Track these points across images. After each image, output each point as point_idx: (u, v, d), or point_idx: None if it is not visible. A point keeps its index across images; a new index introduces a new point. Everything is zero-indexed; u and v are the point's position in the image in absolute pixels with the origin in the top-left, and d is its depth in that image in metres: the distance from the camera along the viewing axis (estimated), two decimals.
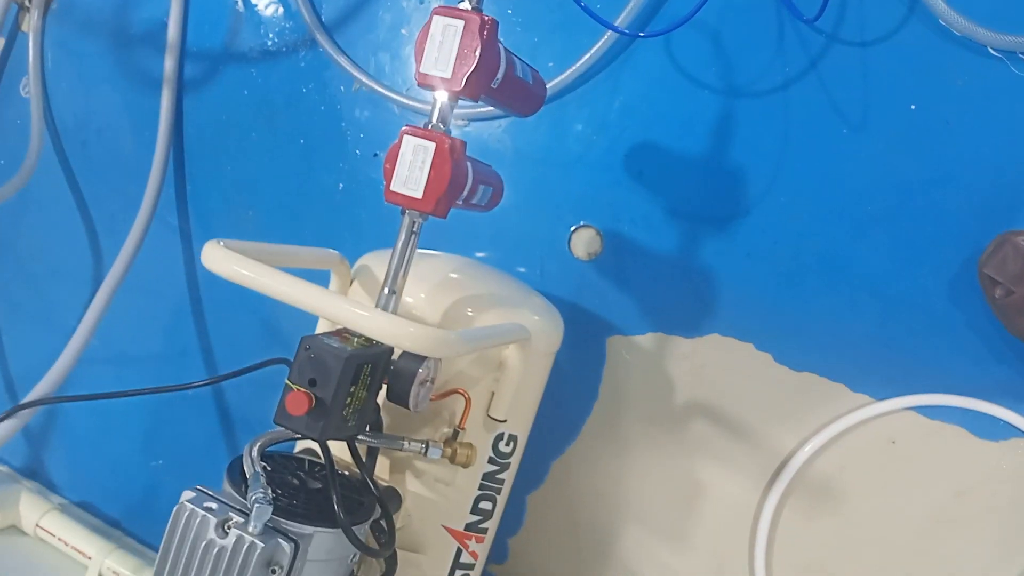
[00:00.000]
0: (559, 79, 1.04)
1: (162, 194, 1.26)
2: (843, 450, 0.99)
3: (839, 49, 0.96)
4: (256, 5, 1.21)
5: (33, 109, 1.30)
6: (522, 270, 1.10)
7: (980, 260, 0.90)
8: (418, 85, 0.74)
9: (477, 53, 0.71)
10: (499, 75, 0.75)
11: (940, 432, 0.96)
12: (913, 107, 0.94)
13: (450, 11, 0.72)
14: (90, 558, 1.20)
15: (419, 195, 0.72)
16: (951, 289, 0.94)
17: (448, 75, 0.72)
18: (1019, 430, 0.93)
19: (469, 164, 0.76)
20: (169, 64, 1.22)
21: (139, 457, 1.36)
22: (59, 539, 1.23)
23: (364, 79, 1.13)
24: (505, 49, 0.76)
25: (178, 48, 1.22)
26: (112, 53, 1.31)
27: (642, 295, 1.05)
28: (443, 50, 0.72)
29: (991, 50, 0.91)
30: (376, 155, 1.15)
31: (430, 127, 0.74)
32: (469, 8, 0.73)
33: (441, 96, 0.74)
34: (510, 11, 1.09)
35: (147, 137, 1.26)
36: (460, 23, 0.71)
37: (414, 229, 0.76)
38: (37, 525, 1.25)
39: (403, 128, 0.73)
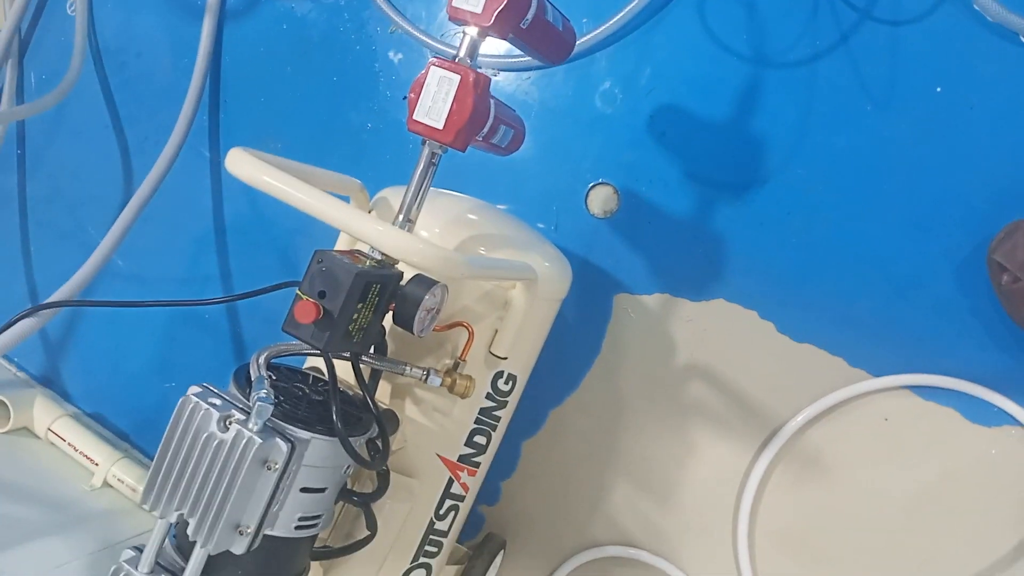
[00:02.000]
0: (591, 35, 1.05)
1: (195, 121, 1.28)
2: (835, 423, 1.00)
3: (871, 26, 0.97)
4: None
5: (78, 27, 1.33)
6: (540, 225, 1.12)
7: (990, 246, 0.91)
8: (449, 19, 0.76)
9: None
10: (529, 16, 0.77)
11: (933, 413, 0.97)
12: (939, 89, 0.95)
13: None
14: (97, 464, 1.24)
15: (440, 125, 0.74)
16: (959, 273, 0.94)
17: (479, 10, 0.73)
18: (1012, 417, 0.94)
19: (492, 102, 0.78)
20: None
21: (153, 377, 1.39)
22: (69, 444, 1.27)
23: (401, 21, 1.15)
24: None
25: None
26: None
27: (653, 256, 1.06)
28: None
29: (1023, 38, 0.91)
30: (405, 98, 1.17)
31: (457, 60, 0.75)
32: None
33: (471, 31, 0.75)
34: None
35: (185, 64, 1.29)
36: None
37: (433, 160, 0.77)
38: (49, 429, 1.29)
39: (431, 59, 0.75)
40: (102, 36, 1.38)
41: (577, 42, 1.01)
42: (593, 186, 1.09)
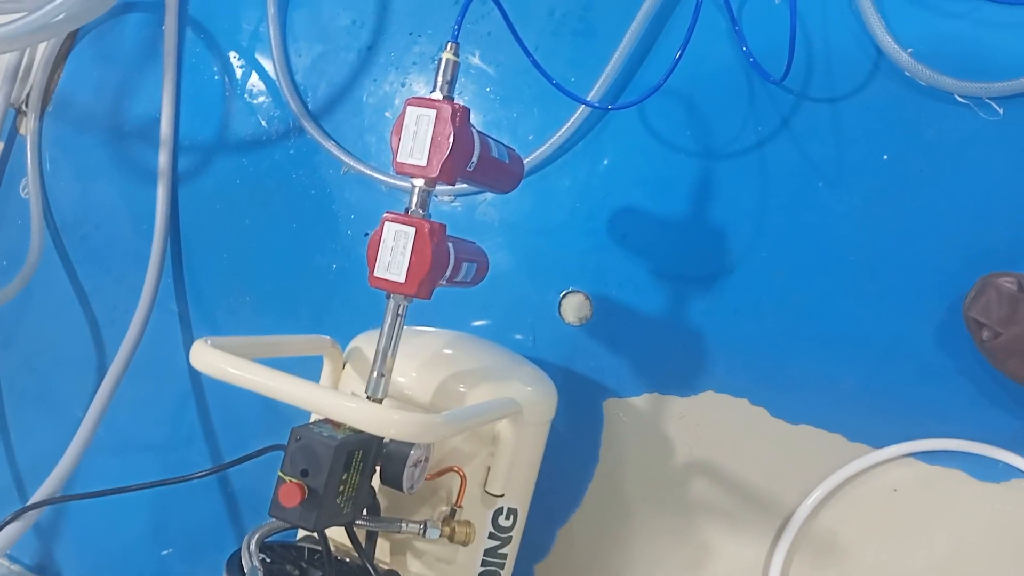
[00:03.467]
0: (539, 151, 1.07)
1: (161, 283, 1.28)
2: (845, 501, 0.98)
3: (809, 106, 0.99)
4: (246, 96, 1.25)
5: (33, 209, 1.34)
6: (518, 337, 1.11)
7: (964, 304, 0.91)
8: (396, 174, 0.77)
9: (450, 140, 0.73)
10: (474, 158, 0.78)
11: (941, 477, 0.95)
12: (886, 157, 0.96)
13: (422, 101, 0.75)
14: None
15: (402, 279, 0.74)
16: (939, 334, 0.94)
17: (424, 163, 0.74)
18: (1019, 470, 0.92)
19: (451, 244, 0.78)
20: (163, 158, 1.26)
21: (149, 546, 1.36)
22: None
23: (351, 162, 1.16)
24: (479, 133, 0.79)
25: (171, 142, 1.26)
26: (108, 149, 1.35)
27: (635, 357, 1.06)
28: (417, 139, 0.74)
29: (958, 97, 0.93)
30: (366, 234, 1.18)
31: (409, 213, 0.76)
32: (440, 97, 0.75)
33: (418, 182, 0.76)
34: (488, 89, 1.12)
35: (145, 228, 1.29)
36: (432, 112, 0.74)
37: (400, 312, 0.77)
38: None
39: (384, 215, 0.75)
40: (59, 212, 1.39)
41: (526, 160, 1.02)
42: (564, 295, 1.09)
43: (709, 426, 1.03)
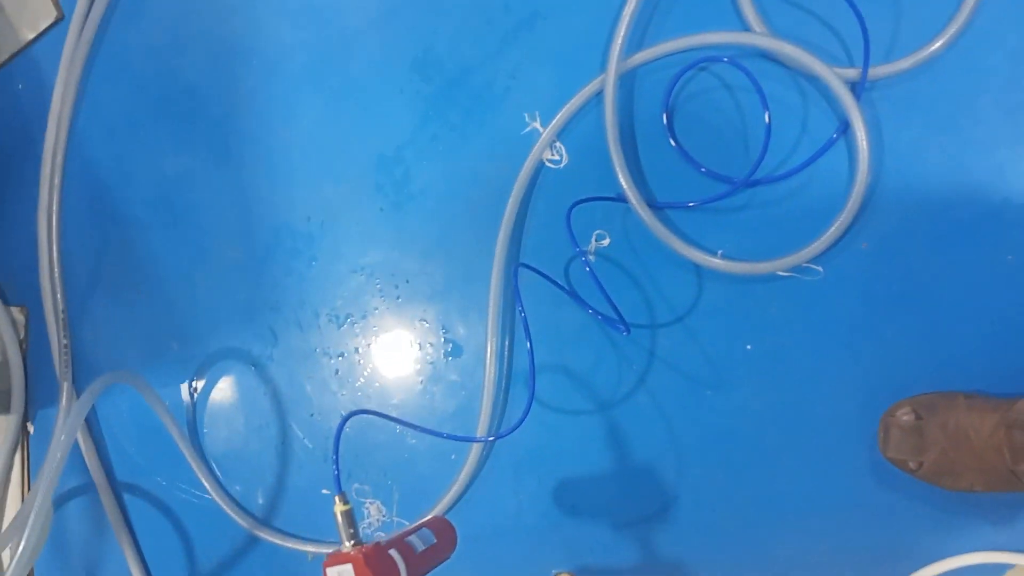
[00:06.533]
0: (460, 478, 1.13)
1: None
2: None
3: (664, 332, 1.07)
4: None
5: None
6: None
7: (880, 449, 0.97)
8: None
9: None
10: (401, 570, 0.84)
11: None
12: (749, 347, 1.04)
13: (337, 558, 0.81)
14: None
15: None
16: (875, 476, 1.00)
17: None
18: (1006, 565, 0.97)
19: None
20: None
21: None
22: None
23: (315, 549, 1.22)
24: (397, 544, 0.85)
25: None
26: None
27: None
28: None
29: (780, 273, 1.02)
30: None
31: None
32: (350, 548, 0.82)
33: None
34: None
35: None
36: (348, 566, 0.80)
37: None
38: None
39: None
40: None
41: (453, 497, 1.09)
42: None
43: None
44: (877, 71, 0.98)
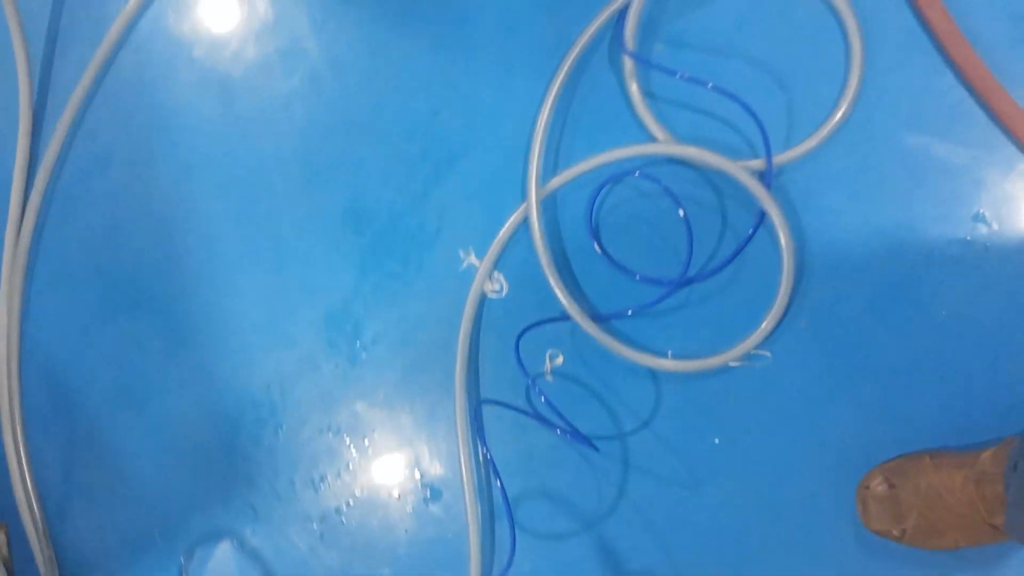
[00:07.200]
0: None
1: None
2: None
3: (634, 439, 1.08)
4: None
5: None
6: None
7: (863, 522, 0.98)
8: None
9: None
10: None
11: None
12: (717, 441, 1.06)
13: None
14: None
15: None
16: (867, 551, 1.01)
17: None
18: None
19: None
20: None
21: None
22: None
23: None
24: None
25: None
26: None
27: None
28: None
29: (732, 364, 1.04)
30: None
31: None
32: None
33: None
34: None
35: None
36: None
37: None
38: None
39: None
40: None
41: None
42: None
43: None
44: (782, 157, 1.02)
